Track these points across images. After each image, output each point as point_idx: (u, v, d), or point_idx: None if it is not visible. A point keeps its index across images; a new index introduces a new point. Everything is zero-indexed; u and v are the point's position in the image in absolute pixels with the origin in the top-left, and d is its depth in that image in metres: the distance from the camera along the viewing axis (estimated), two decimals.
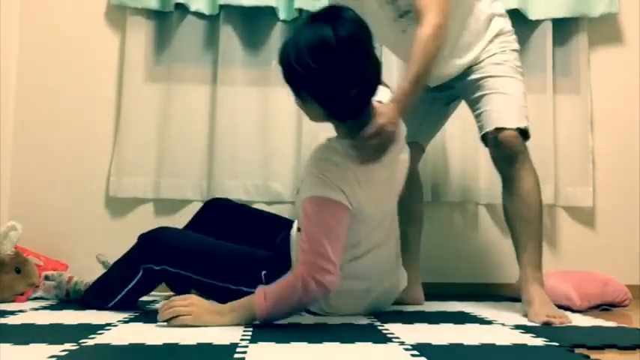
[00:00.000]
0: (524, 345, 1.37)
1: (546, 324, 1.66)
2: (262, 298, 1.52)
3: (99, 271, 2.01)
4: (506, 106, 1.85)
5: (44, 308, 1.86)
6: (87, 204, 2.46)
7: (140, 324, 1.57)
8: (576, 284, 2.07)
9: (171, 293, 2.00)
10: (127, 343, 1.32)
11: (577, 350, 1.32)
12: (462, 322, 1.68)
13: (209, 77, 2.51)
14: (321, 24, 1.52)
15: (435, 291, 2.23)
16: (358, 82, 1.53)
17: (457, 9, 1.88)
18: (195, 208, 2.10)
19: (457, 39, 1.91)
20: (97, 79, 2.50)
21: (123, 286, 1.75)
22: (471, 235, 2.54)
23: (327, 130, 1.70)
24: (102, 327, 1.50)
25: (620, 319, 1.85)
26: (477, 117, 1.91)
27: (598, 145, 2.57)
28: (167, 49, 2.49)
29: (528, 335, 1.48)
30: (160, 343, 1.32)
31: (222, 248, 1.74)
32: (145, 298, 1.88)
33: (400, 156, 1.74)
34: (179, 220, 2.13)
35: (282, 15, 2.46)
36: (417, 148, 2.09)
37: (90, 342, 1.32)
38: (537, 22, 2.52)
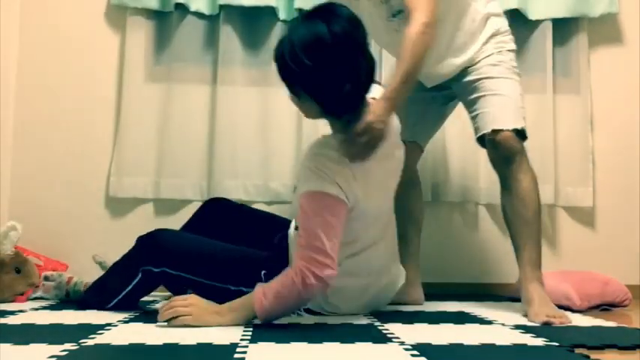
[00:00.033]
0: (524, 345, 1.37)
1: (546, 324, 1.66)
2: (261, 295, 1.52)
3: (98, 271, 2.01)
4: (502, 107, 1.85)
5: (44, 308, 1.86)
6: (87, 204, 2.46)
7: (140, 324, 1.57)
8: (576, 284, 2.07)
9: (171, 294, 2.00)
10: (127, 343, 1.32)
11: (577, 350, 1.32)
12: (462, 322, 1.68)
13: (209, 77, 2.51)
14: (315, 21, 1.53)
15: (435, 291, 2.23)
16: (352, 77, 1.54)
17: (451, 8, 1.88)
18: (195, 208, 2.09)
19: (452, 39, 1.91)
20: (97, 79, 2.50)
21: (121, 288, 1.75)
22: (470, 235, 2.54)
23: (327, 130, 1.70)
24: (102, 327, 1.50)
25: (620, 319, 1.85)
26: (474, 119, 1.91)
27: (598, 145, 2.57)
28: (167, 49, 2.49)
29: (528, 335, 1.48)
30: (160, 343, 1.32)
31: (222, 249, 1.74)
32: (145, 298, 1.88)
33: (395, 152, 1.75)
34: (179, 220, 2.13)
35: (282, 15, 2.46)
36: (415, 148, 2.10)
37: (90, 342, 1.32)
38: (537, 22, 2.52)
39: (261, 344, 1.31)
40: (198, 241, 1.75)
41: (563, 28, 2.55)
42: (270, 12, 2.46)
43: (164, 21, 2.51)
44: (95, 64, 2.50)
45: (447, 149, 2.50)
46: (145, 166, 2.45)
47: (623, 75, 2.60)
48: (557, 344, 1.37)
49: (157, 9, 2.46)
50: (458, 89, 1.98)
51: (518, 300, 1.88)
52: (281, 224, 1.87)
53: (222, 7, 2.46)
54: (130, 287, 1.73)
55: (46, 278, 2.03)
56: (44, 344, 1.28)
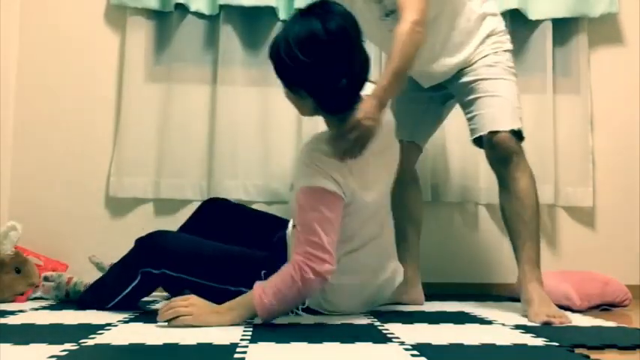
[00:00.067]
0: (524, 345, 1.37)
1: (546, 324, 1.66)
2: (261, 292, 1.53)
3: (97, 271, 2.02)
4: (499, 108, 1.85)
5: (44, 308, 1.86)
6: (87, 204, 2.46)
7: (140, 324, 1.57)
8: (576, 284, 2.07)
9: (170, 295, 2.00)
10: (127, 343, 1.32)
11: (577, 350, 1.32)
12: (462, 322, 1.68)
13: (209, 77, 2.51)
14: (310, 18, 1.55)
15: (435, 291, 2.23)
16: (348, 73, 1.56)
17: (446, 8, 1.88)
18: (195, 208, 2.09)
19: (447, 38, 1.91)
20: (97, 79, 2.50)
21: (121, 290, 1.75)
22: (470, 235, 2.54)
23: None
24: (102, 327, 1.50)
25: (620, 319, 1.85)
26: (470, 120, 1.91)
27: (598, 145, 2.57)
28: (167, 49, 2.49)
29: (528, 335, 1.48)
30: (160, 343, 1.32)
31: (221, 250, 1.74)
32: (145, 299, 1.88)
33: (390, 148, 1.76)
34: (179, 220, 2.13)
35: (282, 15, 2.46)
36: (414, 148, 2.10)
37: (90, 342, 1.32)
38: (537, 22, 2.52)
39: (261, 344, 1.31)
40: (197, 242, 1.75)
41: (563, 28, 2.55)
42: (270, 12, 2.46)
43: (164, 21, 2.51)
44: (95, 64, 2.50)
45: (447, 149, 2.50)
46: (145, 166, 2.45)
47: (623, 75, 2.60)
48: (557, 344, 1.37)
49: (157, 9, 2.46)
50: (454, 90, 1.98)
51: (518, 300, 1.88)
52: (279, 224, 1.88)
53: (222, 7, 2.46)
54: (129, 289, 1.73)
55: (46, 279, 2.03)
56: (44, 344, 1.28)
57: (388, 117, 1.77)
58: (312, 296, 1.67)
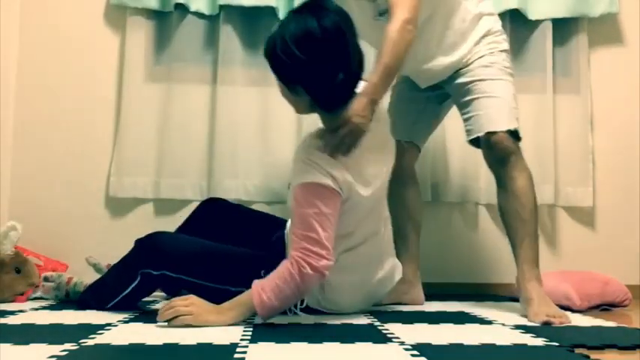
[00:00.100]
0: (524, 345, 1.37)
1: (546, 324, 1.66)
2: (260, 290, 1.53)
3: (94, 272, 2.02)
4: (496, 109, 1.86)
5: (44, 308, 1.86)
6: (87, 204, 2.46)
7: (140, 324, 1.57)
8: (576, 284, 2.08)
9: (169, 296, 2.00)
10: (127, 343, 1.32)
11: (577, 350, 1.32)
12: (462, 322, 1.68)
13: (209, 77, 2.51)
14: (305, 16, 1.57)
15: (435, 291, 2.23)
16: (344, 67, 1.58)
17: (440, 7, 1.89)
18: (195, 208, 2.09)
19: (441, 38, 1.92)
20: (97, 79, 2.50)
21: (120, 290, 1.75)
22: (470, 235, 2.54)
23: None
24: (102, 327, 1.50)
25: (620, 319, 1.85)
26: (467, 120, 1.91)
27: (598, 145, 2.57)
28: (167, 49, 2.49)
29: (528, 335, 1.48)
30: (160, 343, 1.32)
31: (221, 250, 1.74)
32: (145, 298, 1.88)
33: (386, 144, 1.76)
34: (179, 220, 2.13)
35: (282, 15, 2.46)
36: (412, 147, 2.10)
37: (90, 342, 1.32)
38: (537, 22, 2.52)
39: (261, 344, 1.31)
40: (197, 243, 1.75)
41: (563, 28, 2.55)
42: (270, 12, 2.46)
43: (164, 21, 2.51)
44: (95, 64, 2.50)
45: (447, 149, 2.50)
46: (145, 166, 2.45)
47: (623, 75, 2.60)
48: (557, 344, 1.37)
49: (157, 9, 2.46)
50: (451, 91, 1.99)
51: (518, 300, 1.88)
52: (277, 224, 1.88)
53: (222, 7, 2.46)
54: (128, 290, 1.73)
55: (46, 279, 2.03)
56: (44, 344, 1.28)
57: (383, 114, 1.77)
58: (311, 293, 1.67)
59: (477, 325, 1.64)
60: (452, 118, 2.24)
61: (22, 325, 1.56)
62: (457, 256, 2.52)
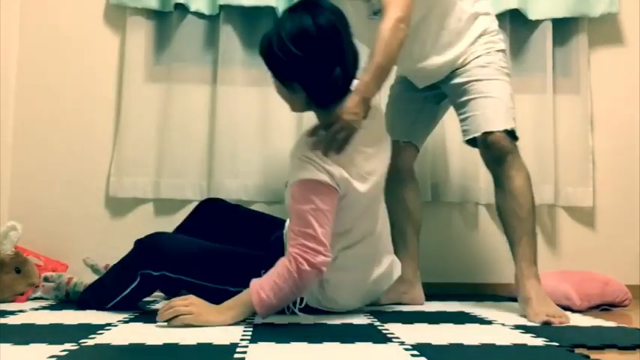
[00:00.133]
0: (524, 345, 1.37)
1: (546, 324, 1.66)
2: (258, 288, 1.54)
3: (92, 273, 2.02)
4: (492, 109, 1.86)
5: (44, 308, 1.86)
6: (87, 204, 2.46)
7: (140, 324, 1.57)
8: (576, 284, 2.08)
9: (167, 297, 2.00)
10: (127, 343, 1.32)
11: (577, 350, 1.32)
12: (462, 322, 1.68)
13: (209, 77, 2.51)
14: (300, 14, 1.59)
15: (435, 291, 2.23)
16: (340, 63, 1.60)
17: (434, 7, 1.89)
18: None
19: (437, 37, 1.92)
20: (97, 79, 2.50)
21: (120, 291, 1.75)
22: (470, 235, 2.54)
23: None
24: (102, 327, 1.50)
25: (620, 319, 1.86)
26: (463, 121, 1.92)
27: (598, 145, 2.57)
28: (167, 49, 2.49)
29: (528, 335, 1.48)
30: (160, 343, 1.32)
31: (220, 251, 1.74)
32: (145, 299, 1.87)
33: (381, 141, 1.77)
34: (179, 220, 2.13)
35: None
36: (411, 148, 2.10)
37: (90, 342, 1.32)
38: (537, 22, 2.52)
39: (261, 344, 1.31)
40: (196, 243, 1.75)
41: (563, 28, 2.55)
42: (270, 12, 2.46)
43: (164, 21, 2.51)
44: (95, 64, 2.50)
45: (447, 149, 2.50)
46: (145, 166, 2.45)
47: (623, 75, 2.60)
48: (557, 344, 1.37)
49: (156, 9, 2.46)
50: (448, 91, 1.99)
51: (517, 300, 1.88)
52: (276, 224, 1.88)
53: (222, 7, 2.46)
54: (128, 290, 1.73)
55: (46, 279, 2.03)
56: (44, 344, 1.28)
57: (377, 111, 1.78)
58: (309, 290, 1.67)
59: (476, 325, 1.64)
60: (452, 118, 2.23)
61: (22, 325, 1.56)
62: (457, 256, 2.52)
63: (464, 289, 2.42)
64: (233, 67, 2.47)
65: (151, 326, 1.52)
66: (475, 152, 2.38)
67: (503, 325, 1.64)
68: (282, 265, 1.56)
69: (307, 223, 1.55)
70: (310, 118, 1.92)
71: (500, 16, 2.47)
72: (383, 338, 1.41)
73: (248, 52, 2.51)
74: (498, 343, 1.38)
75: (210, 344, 1.31)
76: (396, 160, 2.04)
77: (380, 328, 1.55)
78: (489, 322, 1.69)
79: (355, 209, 1.67)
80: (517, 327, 1.60)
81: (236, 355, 1.19)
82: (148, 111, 2.47)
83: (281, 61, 1.60)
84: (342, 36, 1.61)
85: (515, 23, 2.52)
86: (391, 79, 2.23)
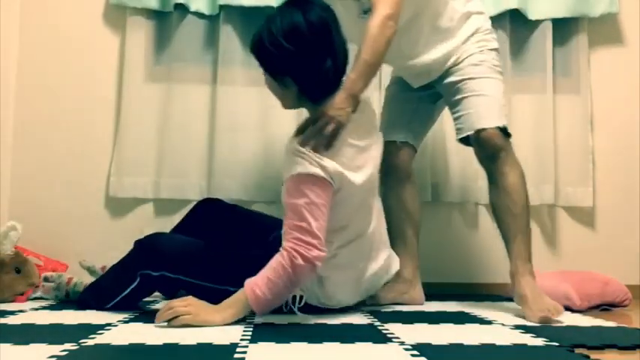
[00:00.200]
0: (524, 345, 1.37)
1: (544, 322, 1.66)
2: (253, 285, 1.54)
3: (89, 275, 2.02)
4: (485, 107, 1.87)
5: (44, 308, 1.86)
6: (87, 204, 2.46)
7: (140, 324, 1.57)
8: (576, 284, 2.08)
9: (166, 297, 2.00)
10: (127, 343, 1.32)
11: (577, 350, 1.32)
12: (462, 322, 1.68)
13: (209, 77, 2.51)
14: (291, 11, 1.62)
15: (435, 291, 2.23)
16: (331, 56, 1.63)
17: (426, 6, 1.90)
18: None
19: (428, 36, 1.93)
20: (97, 79, 2.50)
21: (119, 291, 1.75)
22: (470, 235, 2.54)
23: None
24: (102, 327, 1.50)
25: (620, 319, 1.86)
26: (457, 119, 1.93)
27: (598, 145, 2.57)
28: (167, 49, 2.49)
29: (528, 335, 1.48)
30: (160, 343, 1.32)
31: (219, 251, 1.74)
32: (145, 299, 1.88)
33: (372, 134, 1.78)
34: (178, 221, 2.13)
35: None
36: (408, 148, 2.10)
37: (90, 342, 1.32)
38: (537, 22, 2.52)
39: (261, 344, 1.31)
40: (195, 244, 1.75)
41: (563, 28, 2.55)
42: (270, 12, 2.45)
43: (164, 21, 2.51)
44: (95, 64, 2.50)
45: (447, 149, 2.50)
46: (145, 166, 2.45)
47: (623, 75, 2.60)
48: (557, 344, 1.37)
49: (156, 9, 2.46)
50: (442, 90, 2.00)
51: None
52: (275, 224, 1.88)
53: (222, 7, 2.46)
54: (127, 291, 1.73)
55: (46, 279, 2.03)
56: (44, 344, 1.28)
57: (367, 105, 1.79)
58: (309, 289, 1.68)
59: (476, 325, 1.64)
60: (452, 118, 2.23)
61: (22, 325, 1.56)
62: (457, 256, 2.52)
63: (464, 289, 2.42)
64: (233, 67, 2.47)
65: (150, 326, 1.52)
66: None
67: (503, 325, 1.64)
68: (276, 260, 1.56)
69: (302, 216, 1.56)
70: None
71: (500, 16, 2.48)
72: (383, 338, 1.41)
73: (248, 52, 2.46)
74: (498, 343, 1.38)
75: (210, 344, 1.31)
76: (393, 160, 2.05)
77: (380, 328, 1.55)
78: (489, 322, 1.69)
79: (350, 204, 1.68)
80: (517, 327, 1.60)
81: (236, 355, 1.19)
82: (148, 111, 2.47)
83: (272, 56, 1.63)
84: (333, 31, 1.64)
85: (515, 23, 2.52)
86: (386, 79, 2.24)
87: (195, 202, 2.28)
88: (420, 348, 1.29)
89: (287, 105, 1.76)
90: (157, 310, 1.56)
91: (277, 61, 1.63)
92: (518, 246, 1.84)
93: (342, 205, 1.66)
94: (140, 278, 1.70)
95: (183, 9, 2.46)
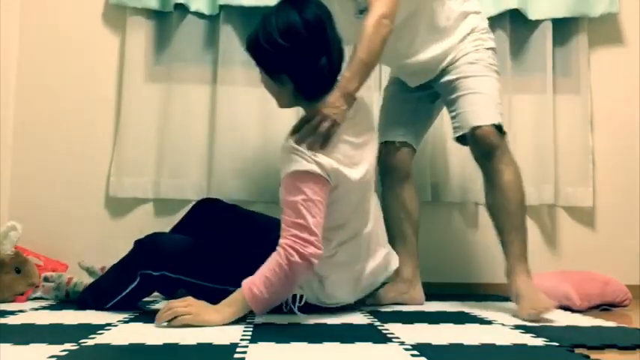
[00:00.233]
0: (524, 345, 1.37)
1: (532, 319, 1.68)
2: (251, 284, 1.54)
3: (88, 275, 2.02)
4: (480, 105, 1.88)
5: (44, 308, 1.86)
6: (87, 204, 2.46)
7: (140, 324, 1.57)
8: (576, 284, 2.08)
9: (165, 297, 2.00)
10: (127, 343, 1.32)
11: (577, 350, 1.32)
12: (462, 322, 1.68)
13: (209, 77, 2.51)
14: (286, 9, 1.64)
15: (435, 291, 2.23)
16: (326, 53, 1.64)
17: (422, 6, 1.90)
18: None
19: (425, 36, 1.93)
20: (97, 79, 2.50)
21: (119, 291, 1.75)
22: (470, 235, 2.54)
23: None
24: (102, 327, 1.50)
25: (620, 319, 1.86)
26: (453, 118, 1.94)
27: (598, 145, 2.57)
28: (167, 49, 2.49)
29: (528, 335, 1.48)
30: (160, 343, 1.32)
31: (220, 251, 1.75)
32: (145, 299, 1.88)
33: (368, 131, 1.78)
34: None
35: None
36: (407, 148, 2.10)
37: (90, 342, 1.32)
38: (537, 22, 2.52)
39: (261, 344, 1.31)
40: (195, 243, 1.75)
41: (563, 28, 2.55)
42: None
43: (164, 21, 2.51)
44: (95, 64, 2.50)
45: (447, 149, 2.50)
46: (145, 166, 2.45)
47: (623, 75, 2.60)
48: (557, 344, 1.37)
49: (156, 9, 2.46)
50: (439, 89, 2.01)
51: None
52: (274, 224, 1.88)
53: (222, 7, 2.46)
54: (127, 290, 1.73)
55: (46, 279, 2.03)
56: (44, 344, 1.28)
57: (363, 104, 1.79)
58: (305, 284, 1.68)
59: (476, 325, 1.64)
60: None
61: (22, 325, 1.56)
62: (457, 256, 2.52)
63: (463, 289, 2.42)
64: (233, 67, 2.47)
65: (150, 326, 1.52)
66: None
67: (503, 325, 1.64)
68: (272, 259, 1.56)
69: (298, 213, 1.56)
70: None
71: (500, 16, 2.48)
72: (383, 338, 1.41)
73: None
74: (498, 343, 1.38)
75: (210, 344, 1.31)
76: (392, 160, 2.05)
77: (380, 328, 1.55)
78: (489, 322, 1.69)
79: (348, 201, 1.68)
80: (517, 327, 1.60)
81: (236, 355, 1.19)
82: (148, 111, 2.47)
83: (268, 53, 1.63)
84: (328, 29, 1.65)
85: (515, 23, 2.52)
86: (386, 80, 2.24)
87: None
88: (420, 348, 1.29)
89: (283, 103, 1.76)
90: (156, 310, 1.56)
91: (273, 58, 1.64)
92: (513, 245, 1.84)
93: (339, 203, 1.66)
94: (140, 278, 1.70)
95: (183, 9, 2.46)
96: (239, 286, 1.60)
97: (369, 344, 1.34)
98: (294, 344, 1.32)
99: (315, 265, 1.58)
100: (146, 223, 2.39)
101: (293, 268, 1.54)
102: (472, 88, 1.89)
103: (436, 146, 2.48)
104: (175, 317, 1.50)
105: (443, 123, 2.38)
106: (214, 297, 1.59)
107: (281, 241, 1.57)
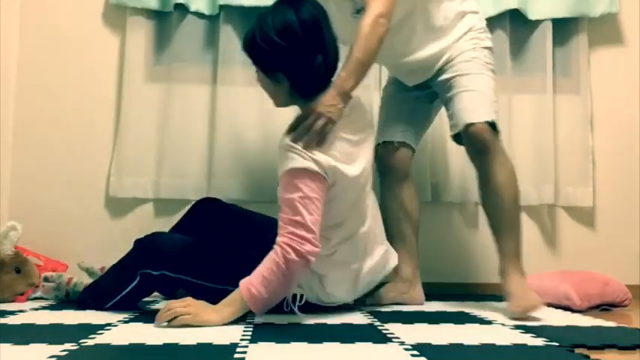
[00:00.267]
0: (524, 345, 1.37)
1: (517, 318, 1.69)
2: (249, 284, 1.54)
3: (88, 276, 2.02)
4: (474, 102, 1.88)
5: (44, 308, 1.86)
6: (87, 204, 2.46)
7: (140, 324, 1.57)
8: (576, 284, 2.08)
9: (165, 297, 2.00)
10: (127, 343, 1.32)
11: (577, 350, 1.32)
12: (462, 322, 1.68)
13: (209, 77, 2.51)
14: (283, 9, 1.64)
15: (435, 291, 2.23)
16: (322, 52, 1.65)
17: (420, 6, 1.90)
18: None
19: (422, 35, 1.93)
20: (97, 79, 2.50)
21: (119, 290, 1.75)
22: (470, 235, 2.54)
23: None
24: (102, 327, 1.50)
25: (620, 319, 1.86)
26: (450, 117, 1.94)
27: (598, 145, 2.57)
28: (167, 49, 2.49)
29: (528, 335, 1.48)
30: (160, 343, 1.32)
31: (220, 251, 1.75)
32: (145, 299, 1.88)
33: (365, 129, 1.78)
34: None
35: None
36: (405, 148, 2.10)
37: (90, 342, 1.32)
38: (537, 22, 2.52)
39: (261, 344, 1.31)
40: (196, 243, 1.75)
41: (563, 28, 2.55)
42: None
43: (164, 21, 2.51)
44: (95, 64, 2.50)
45: (447, 149, 2.50)
46: (145, 166, 2.45)
47: (623, 75, 2.60)
48: (557, 344, 1.37)
49: (156, 9, 2.46)
50: (437, 88, 2.01)
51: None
52: (273, 224, 1.88)
53: (222, 7, 2.46)
54: (127, 290, 1.73)
55: (46, 279, 2.03)
56: (44, 344, 1.28)
57: (358, 101, 1.79)
58: (304, 283, 1.68)
59: (476, 325, 1.64)
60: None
61: (22, 325, 1.56)
62: (457, 256, 2.52)
63: (463, 289, 2.42)
64: (233, 67, 2.47)
65: (150, 326, 1.52)
66: None
67: (503, 325, 1.64)
68: (269, 258, 1.56)
69: (296, 211, 1.56)
70: None
71: (500, 16, 2.48)
72: (383, 338, 1.41)
73: None
74: (498, 343, 1.38)
75: (210, 344, 1.31)
76: (391, 160, 2.05)
77: (380, 328, 1.55)
78: (489, 322, 1.69)
79: (345, 199, 1.68)
80: (517, 327, 1.60)
81: (236, 355, 1.19)
82: (148, 111, 2.47)
83: (264, 52, 1.64)
84: (324, 28, 1.66)
85: (515, 23, 2.52)
86: (386, 80, 2.24)
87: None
88: (420, 348, 1.29)
89: (279, 102, 1.76)
90: (157, 310, 1.56)
91: (269, 57, 1.65)
92: (507, 243, 1.85)
93: (337, 201, 1.66)
94: (140, 277, 1.70)
95: (183, 9, 2.46)
96: (238, 285, 1.60)
97: (369, 344, 1.34)
98: (294, 344, 1.32)
99: (312, 262, 1.57)
100: (146, 223, 2.40)
101: (290, 266, 1.53)
102: (467, 86, 1.89)
103: (436, 146, 2.48)
104: (175, 317, 1.50)
105: (443, 123, 2.38)
106: (214, 297, 1.59)
107: (278, 239, 1.57)
